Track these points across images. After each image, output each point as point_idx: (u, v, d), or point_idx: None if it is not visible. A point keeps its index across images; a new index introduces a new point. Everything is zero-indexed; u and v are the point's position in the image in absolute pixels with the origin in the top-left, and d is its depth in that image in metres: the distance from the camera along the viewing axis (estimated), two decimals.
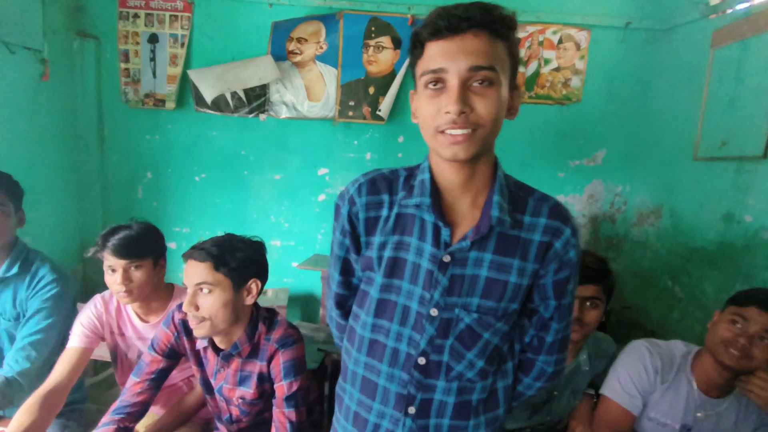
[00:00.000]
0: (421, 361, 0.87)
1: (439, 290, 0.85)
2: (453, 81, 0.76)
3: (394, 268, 0.88)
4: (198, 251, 1.19)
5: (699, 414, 1.35)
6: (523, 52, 3.01)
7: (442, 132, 0.78)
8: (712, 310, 1.38)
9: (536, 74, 3.04)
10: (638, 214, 3.18)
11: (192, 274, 1.18)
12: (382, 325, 0.90)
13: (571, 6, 2.98)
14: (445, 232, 0.84)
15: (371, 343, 0.91)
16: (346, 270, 0.99)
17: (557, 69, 3.05)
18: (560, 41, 3.01)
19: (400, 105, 3.03)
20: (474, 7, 0.76)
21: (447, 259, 0.84)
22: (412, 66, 0.85)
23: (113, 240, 1.37)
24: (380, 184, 0.90)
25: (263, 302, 2.81)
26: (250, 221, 3.18)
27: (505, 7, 0.79)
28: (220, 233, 3.15)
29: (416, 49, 0.81)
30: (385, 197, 0.89)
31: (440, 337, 0.87)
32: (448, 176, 0.86)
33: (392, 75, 2.97)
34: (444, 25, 0.75)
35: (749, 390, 1.28)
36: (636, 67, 3.06)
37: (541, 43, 3.00)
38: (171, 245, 3.16)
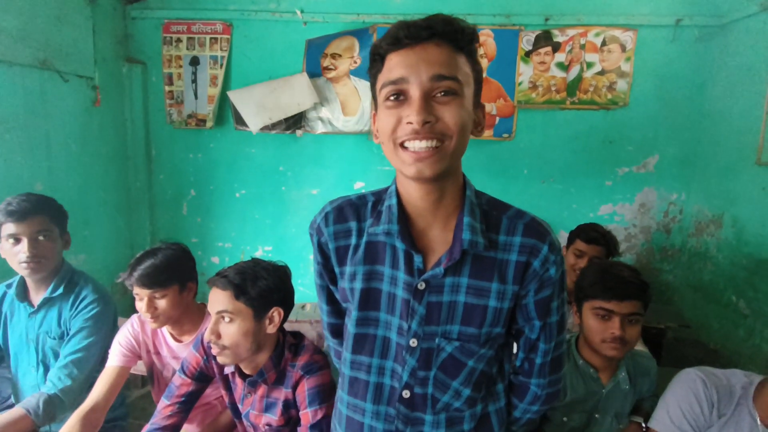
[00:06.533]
0: (406, 394, 0.83)
1: (416, 319, 0.80)
2: (415, 91, 0.71)
3: (369, 300, 0.84)
4: (221, 279, 1.18)
5: None
6: (563, 57, 2.88)
7: (403, 146, 0.73)
8: None
9: (578, 79, 2.90)
10: (696, 223, 2.95)
11: (214, 301, 1.18)
12: (361, 361, 0.86)
13: (614, 6, 2.83)
14: (417, 259, 0.79)
15: (351, 381, 0.88)
16: (332, 299, 0.96)
17: (601, 72, 2.89)
18: (604, 43, 2.86)
19: None
20: (435, 19, 0.73)
21: (422, 286, 0.79)
22: (372, 84, 0.81)
23: (138, 270, 1.38)
24: (347, 212, 0.87)
25: (302, 317, 2.83)
26: (288, 236, 3.22)
27: (465, 20, 0.75)
28: (260, 248, 3.14)
29: (375, 63, 0.77)
30: (353, 224, 0.86)
31: (422, 368, 0.82)
32: (416, 200, 0.81)
33: None
34: (404, 34, 0.72)
35: None
36: (689, 68, 2.86)
37: (582, 47, 2.86)
38: (214, 260, 3.25)
